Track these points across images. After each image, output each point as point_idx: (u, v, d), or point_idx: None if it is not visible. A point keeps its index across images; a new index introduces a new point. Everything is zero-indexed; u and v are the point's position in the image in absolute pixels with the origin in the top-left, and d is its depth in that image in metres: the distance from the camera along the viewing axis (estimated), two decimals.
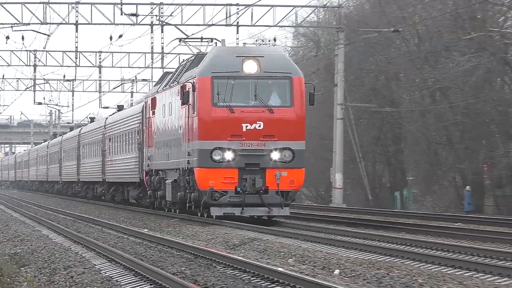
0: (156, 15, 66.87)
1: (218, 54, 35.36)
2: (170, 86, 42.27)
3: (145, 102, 50.80)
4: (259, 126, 32.86)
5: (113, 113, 69.19)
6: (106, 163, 64.82)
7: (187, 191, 37.33)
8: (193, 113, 34.26)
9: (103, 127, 67.99)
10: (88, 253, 30.53)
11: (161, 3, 66.83)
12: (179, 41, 48.47)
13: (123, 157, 57.21)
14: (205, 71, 33.40)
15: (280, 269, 23.15)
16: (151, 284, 21.88)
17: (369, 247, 30.77)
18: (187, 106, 35.43)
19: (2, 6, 66.14)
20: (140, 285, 22.04)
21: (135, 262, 25.58)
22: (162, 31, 70.14)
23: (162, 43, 75.22)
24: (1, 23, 59.09)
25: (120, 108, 70.98)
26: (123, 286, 21.70)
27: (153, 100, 46.58)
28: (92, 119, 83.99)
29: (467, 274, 23.25)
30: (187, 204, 38.61)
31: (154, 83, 78.24)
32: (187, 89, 34.87)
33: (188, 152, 35.51)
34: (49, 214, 57.43)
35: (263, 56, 34.08)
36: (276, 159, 33.33)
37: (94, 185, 73.32)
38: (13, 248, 33.68)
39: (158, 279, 21.90)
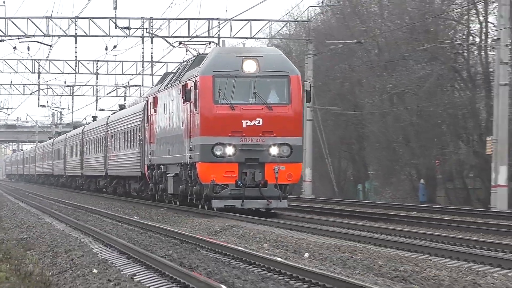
0: (147, 28, 66.96)
1: (219, 54, 34.64)
2: (171, 86, 41.27)
3: (147, 101, 49.63)
4: (259, 123, 32.38)
5: (114, 112, 69.03)
6: (108, 158, 63.97)
7: (189, 184, 36.49)
8: (195, 110, 33.51)
9: (105, 125, 67.07)
10: (87, 238, 30.48)
11: (151, 18, 67.02)
12: (179, 44, 47.54)
13: (125, 153, 56.21)
14: (207, 69, 32.71)
15: (256, 252, 23.11)
16: (142, 266, 22.05)
17: (335, 233, 30.74)
18: (188, 104, 34.62)
19: (10, 20, 66.09)
20: (132, 267, 22.13)
21: (128, 246, 25.72)
22: (151, 42, 70.35)
23: (152, 52, 75.51)
24: (9, 36, 58.90)
25: (121, 107, 70.54)
26: (117, 268, 21.69)
27: (155, 99, 45.58)
28: (94, 118, 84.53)
29: (421, 257, 23.25)
30: (189, 197, 37.75)
31: (146, 88, 78.06)
32: (189, 88, 34.17)
33: (190, 147, 34.74)
34: (53, 204, 57.29)
35: (261, 56, 33.35)
36: (275, 154, 32.53)
37: (97, 178, 72.35)
38: (20, 234, 33.61)
39: (148, 261, 22.00)
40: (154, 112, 44.97)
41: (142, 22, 66.84)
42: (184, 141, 35.82)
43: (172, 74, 45.69)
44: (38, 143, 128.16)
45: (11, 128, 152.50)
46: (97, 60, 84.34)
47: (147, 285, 18.62)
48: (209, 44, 46.66)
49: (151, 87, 69.89)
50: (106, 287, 18.20)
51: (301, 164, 35.61)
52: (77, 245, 27.68)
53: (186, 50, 50.99)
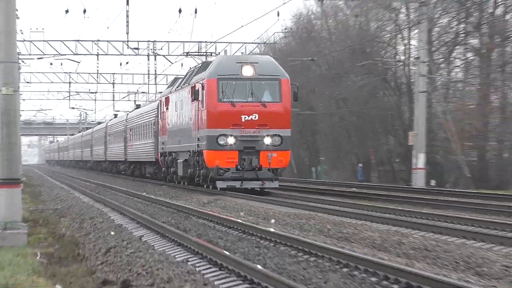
0: (151, 49, 66.75)
1: (222, 61, 34.41)
2: (181, 87, 40.84)
3: (160, 101, 48.96)
4: (255, 117, 32.32)
5: (132, 110, 67.84)
6: (127, 147, 63.31)
7: (196, 168, 36.14)
8: (202, 107, 33.30)
9: (125, 120, 66.52)
10: (106, 208, 30.44)
11: (155, 41, 66.72)
12: (186, 55, 48.40)
13: (141, 143, 55.60)
14: (212, 73, 32.61)
15: (234, 218, 23.31)
16: (147, 229, 22.55)
17: (295, 204, 30.71)
18: (196, 102, 34.31)
19: (48, 43, 65.80)
20: (140, 230, 22.64)
21: (137, 215, 25.88)
22: (155, 59, 70.03)
23: (155, 67, 75.66)
24: (47, 54, 59.11)
25: (137, 106, 69.60)
26: (129, 230, 21.83)
27: (167, 99, 44.95)
28: (115, 115, 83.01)
29: (359, 222, 23.38)
30: (196, 179, 37.09)
31: (151, 94, 77.90)
32: (197, 89, 33.94)
33: (198, 138, 34.49)
34: (80, 183, 57.06)
35: (257, 63, 33.27)
36: (268, 143, 32.35)
37: (118, 163, 72.05)
38: (55, 205, 33.58)
39: (152, 225, 22.45)
40: (166, 110, 44.27)
41: (148, 44, 66.73)
42: (192, 133, 35.53)
43: (182, 78, 45.14)
44: (70, 136, 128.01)
45: (49, 125, 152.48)
46: (114, 73, 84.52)
47: (152, 243, 18.76)
48: (211, 55, 46.37)
49: (155, 94, 69.97)
50: (120, 245, 18.19)
51: (290, 152, 35.41)
52: (98, 214, 27.72)
53: (183, 56, 53.27)
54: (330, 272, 13.77)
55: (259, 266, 13.69)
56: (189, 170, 37.48)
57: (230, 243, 18.17)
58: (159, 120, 47.36)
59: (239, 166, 32.27)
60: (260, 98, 32.38)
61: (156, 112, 48.85)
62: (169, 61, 68.53)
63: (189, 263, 15.45)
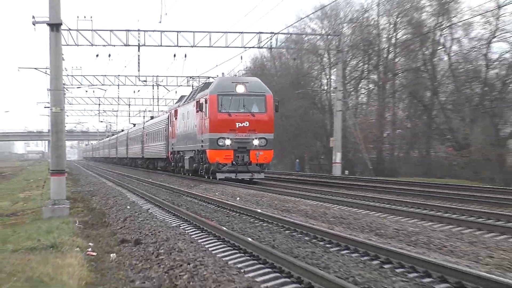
0: (155, 81, 66.85)
1: (220, 81, 33.50)
2: (187, 102, 39.55)
3: (170, 113, 47.16)
4: (246, 124, 31.21)
5: (147, 120, 66.05)
6: (144, 147, 61.30)
7: (200, 163, 34.84)
8: (205, 117, 32.15)
9: (142, 128, 64.62)
10: (124, 190, 30.31)
11: (157, 76, 66.86)
12: (190, 78, 47.38)
13: (155, 144, 53.74)
14: (213, 91, 31.62)
15: (212, 197, 22.95)
16: (152, 204, 22.26)
17: (254, 186, 30.10)
18: (201, 113, 33.08)
19: (84, 77, 65.82)
20: (147, 205, 22.21)
21: (145, 194, 25.80)
22: (158, 88, 69.72)
23: (158, 94, 75.98)
24: (83, 84, 57.77)
25: (152, 117, 68.18)
26: (140, 205, 21.73)
27: (175, 112, 43.50)
28: (134, 124, 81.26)
29: (297, 199, 23.20)
30: (199, 172, 35.81)
31: (154, 112, 77.77)
32: (201, 102, 32.95)
33: (202, 140, 33.36)
34: (106, 172, 56.71)
35: (248, 82, 32.65)
36: (256, 144, 31.29)
37: (136, 159, 70.24)
38: (88, 188, 33.41)
39: (155, 202, 22.40)
40: (175, 119, 42.90)
41: (152, 77, 66.94)
42: (197, 136, 34.43)
43: (187, 96, 43.64)
44: (99, 140, 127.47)
45: (84, 133, 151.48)
46: (129, 98, 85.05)
47: (155, 214, 18.69)
48: (208, 78, 45.20)
49: (157, 111, 69.60)
50: (134, 215, 18.16)
51: (272, 151, 33.78)
52: (118, 194, 27.58)
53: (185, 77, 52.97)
54: (277, 233, 13.87)
55: (224, 228, 13.86)
56: (194, 164, 36.34)
57: (208, 213, 18.24)
58: (169, 127, 45.65)
59: (234, 162, 31.44)
60: (250, 110, 31.45)
61: (166, 122, 47.19)
62: (167, 89, 68.96)
63: (180, 227, 15.52)
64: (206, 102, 31.72)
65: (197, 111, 33.82)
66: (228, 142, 31.01)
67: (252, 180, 32.84)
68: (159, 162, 53.64)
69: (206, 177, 34.35)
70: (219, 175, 31.75)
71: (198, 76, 51.90)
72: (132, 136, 72.18)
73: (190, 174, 38.38)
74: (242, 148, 31.24)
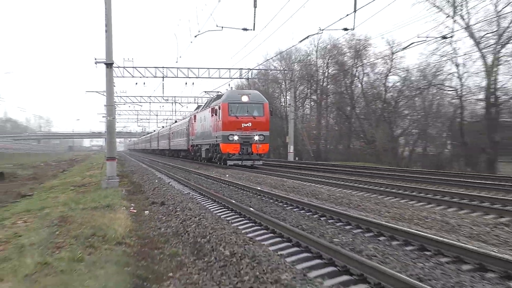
0: (174, 100, 65.84)
1: (230, 93, 30.99)
2: (204, 109, 36.52)
3: (190, 117, 43.13)
4: (249, 125, 28.70)
5: (173, 123, 61.54)
6: (170, 142, 57.12)
7: (214, 153, 32.15)
8: (219, 119, 29.59)
9: (169, 128, 61.10)
10: (154, 170, 29.84)
11: (175, 96, 65.75)
12: (205, 92, 42.37)
13: (178, 139, 49.88)
14: (225, 100, 29.21)
15: (211, 175, 22.68)
16: (172, 179, 21.80)
17: (242, 168, 28.95)
18: (215, 116, 30.51)
19: (129, 97, 65.00)
20: (169, 179, 21.72)
21: (167, 172, 25.28)
22: (175, 104, 68.65)
23: (175, 108, 74.36)
24: (128, 102, 54.66)
25: (176, 121, 63.42)
26: (164, 179, 21.46)
27: (194, 116, 39.93)
28: (163, 127, 76.46)
29: (265, 176, 22.73)
30: (213, 159, 33.14)
31: (170, 121, 76.36)
32: (215, 109, 30.47)
33: (216, 136, 30.76)
34: (144, 159, 56.05)
35: (250, 94, 30.12)
36: (257, 139, 28.71)
37: (164, 150, 65.65)
38: (131, 169, 33.01)
39: (174, 178, 21.90)
40: (194, 122, 39.51)
41: (172, 98, 65.90)
42: (212, 134, 31.86)
43: (203, 105, 40.89)
44: (138, 138, 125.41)
45: (128, 133, 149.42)
46: (157, 110, 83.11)
47: (174, 185, 18.47)
48: (218, 92, 40.15)
49: (175, 120, 68.41)
50: (159, 186, 18.00)
51: (268, 144, 30.74)
52: (150, 172, 27.22)
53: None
54: (252, 197, 13.83)
55: (217, 194, 13.81)
56: (209, 154, 33.84)
57: (210, 185, 18.10)
58: (189, 128, 42.43)
59: (240, 152, 29.09)
60: (252, 114, 29.05)
61: (187, 124, 43.94)
62: (181, 105, 68.24)
63: (190, 194, 15.44)
64: (219, 109, 29.60)
65: (212, 116, 31.60)
66: (236, 137, 28.85)
67: (253, 166, 30.53)
68: (181, 152, 50.62)
69: (218, 163, 32.16)
70: (229, 162, 29.65)
71: (201, 96, 51.65)
72: (161, 134, 69.57)
73: (205, 161, 35.99)
74: (246, 142, 29.04)
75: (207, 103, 37.51)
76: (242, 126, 28.73)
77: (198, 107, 44.50)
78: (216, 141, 30.90)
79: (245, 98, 29.31)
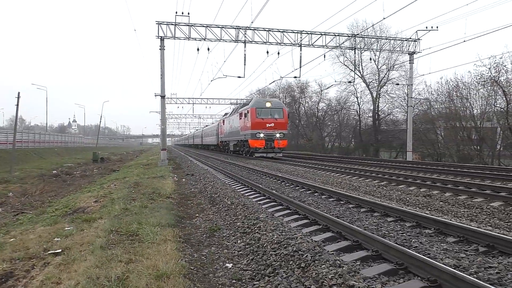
0: (199, 116, 62.82)
1: (257, 100, 25.10)
2: (231, 115, 29.58)
3: (219, 122, 35.61)
4: (272, 125, 22.63)
5: (205, 127, 52.12)
6: (203, 140, 48.66)
7: (242, 147, 25.50)
8: (248, 121, 23.50)
9: (202, 130, 51.95)
10: (190, 157, 28.57)
11: (200, 114, 61.87)
12: (230, 104, 34.85)
13: (209, 138, 41.90)
14: (253, 105, 23.09)
15: (235, 162, 19.15)
16: (199, 161, 20.60)
17: (262, 159, 22.67)
18: (243, 119, 24.29)
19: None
20: (196, 161, 20.65)
21: (198, 158, 23.83)
22: (199, 118, 64.56)
23: (201, 119, 65.28)
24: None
25: (206, 125, 54.37)
26: (194, 162, 20.45)
27: (223, 121, 32.45)
28: (196, 129, 64.83)
29: (264, 163, 20.99)
30: (239, 152, 26.13)
31: (214, 118, 61.83)
32: (244, 113, 24.42)
33: (244, 134, 24.48)
34: (183, 150, 55.17)
35: (272, 101, 23.84)
36: (278, 137, 22.62)
37: (198, 145, 55.43)
38: (174, 155, 32.44)
39: (200, 160, 20.71)
40: (223, 125, 32.21)
41: (198, 115, 62.68)
42: (240, 132, 25.32)
43: (229, 112, 32.98)
44: (178, 138, 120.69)
45: (174, 135, 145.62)
46: (190, 123, 78.73)
47: (199, 164, 17.50)
48: (243, 100, 34.21)
49: (202, 127, 59.96)
50: (191, 165, 17.63)
51: (287, 140, 24.77)
52: (187, 159, 25.97)
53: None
54: (245, 172, 13.53)
55: (225, 171, 13.45)
56: (236, 148, 26.97)
57: (236, 171, 17.12)
58: (219, 129, 34.65)
59: (265, 147, 22.96)
60: (274, 116, 22.97)
61: (216, 127, 36.49)
62: (203, 118, 64.17)
63: (209, 169, 14.77)
64: (248, 112, 23.50)
65: (240, 118, 25.30)
66: (262, 135, 22.90)
67: (273, 157, 23.63)
68: (211, 146, 42.68)
69: (244, 155, 25.52)
70: (256, 154, 23.54)
71: (216, 114, 49.62)
72: (195, 134, 61.97)
73: (231, 153, 28.93)
74: (270, 138, 23.05)
75: (234, 110, 30.02)
76: (267, 126, 23.00)
77: (225, 114, 36.11)
78: (245, 137, 24.75)
79: (268, 104, 23.64)
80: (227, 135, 30.60)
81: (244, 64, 19.64)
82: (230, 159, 21.80)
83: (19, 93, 19.07)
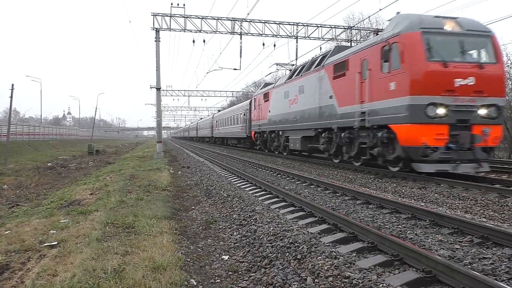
0: (194, 108, 61.66)
1: (417, 16, 6.85)
2: (301, 76, 12.55)
3: (252, 99, 20.17)
4: (471, 81, 6.25)
5: (216, 113, 39.12)
6: (213, 130, 36.24)
7: (347, 147, 10.22)
8: (397, 72, 6.85)
9: (211, 118, 39.11)
10: (191, 153, 28.60)
11: (196, 106, 60.01)
12: (276, 65, 18.82)
13: (228, 127, 27.55)
14: (413, 27, 6.33)
15: (257, 162, 15.39)
16: (193, 153, 20.16)
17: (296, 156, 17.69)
18: (358, 74, 8.24)
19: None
20: (190, 153, 20.08)
21: (194, 151, 23.79)
22: (195, 111, 62.11)
23: (195, 114, 59.03)
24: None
25: (219, 110, 41.85)
26: (190, 154, 20.00)
27: (266, 95, 16.82)
28: (201, 118, 52.77)
29: (271, 158, 18.01)
30: (331, 156, 11.65)
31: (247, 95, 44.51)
32: (363, 58, 8.03)
33: (368, 113, 8.25)
34: (180, 143, 54.98)
35: (457, 18, 6.85)
36: (483, 115, 6.42)
37: (204, 138, 44.71)
38: (170, 147, 32.19)
39: (194, 152, 20.11)
40: (265, 102, 16.97)
41: (193, 108, 61.61)
42: (336, 110, 10.02)
43: (277, 80, 17.73)
44: (176, 130, 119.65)
45: (168, 128, 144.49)
46: (186, 115, 73.81)
47: (194, 157, 17.22)
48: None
49: (208, 114, 49.16)
50: (187, 158, 17.54)
51: (502, 126, 6.50)
52: (183, 152, 26.13)
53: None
54: (257, 170, 13.42)
55: (223, 164, 13.33)
56: (308, 145, 13.17)
57: (228, 161, 16.03)
58: (251, 112, 20.42)
59: (449, 143, 6.88)
60: (471, 58, 6.58)
61: (246, 108, 22.01)
62: (198, 111, 61.67)
63: (205, 161, 14.50)
64: (390, 50, 7.15)
65: (359, 72, 8.66)
66: (441, 111, 6.73)
67: (468, 173, 7.45)
68: (232, 140, 28.26)
69: (357, 164, 10.24)
70: (427, 167, 7.12)
71: (212, 106, 47.55)
72: (204, 124, 45.74)
73: (285, 153, 15.73)
74: (463, 120, 6.77)
75: (299, 69, 13.94)
76: (456, 84, 6.80)
77: (265, 85, 19.87)
78: (384, 116, 8.09)
79: (452, 25, 7.20)
80: (278, 119, 15.64)
81: (240, 56, 19.30)
82: (226, 152, 21.24)
83: (13, 85, 18.87)
